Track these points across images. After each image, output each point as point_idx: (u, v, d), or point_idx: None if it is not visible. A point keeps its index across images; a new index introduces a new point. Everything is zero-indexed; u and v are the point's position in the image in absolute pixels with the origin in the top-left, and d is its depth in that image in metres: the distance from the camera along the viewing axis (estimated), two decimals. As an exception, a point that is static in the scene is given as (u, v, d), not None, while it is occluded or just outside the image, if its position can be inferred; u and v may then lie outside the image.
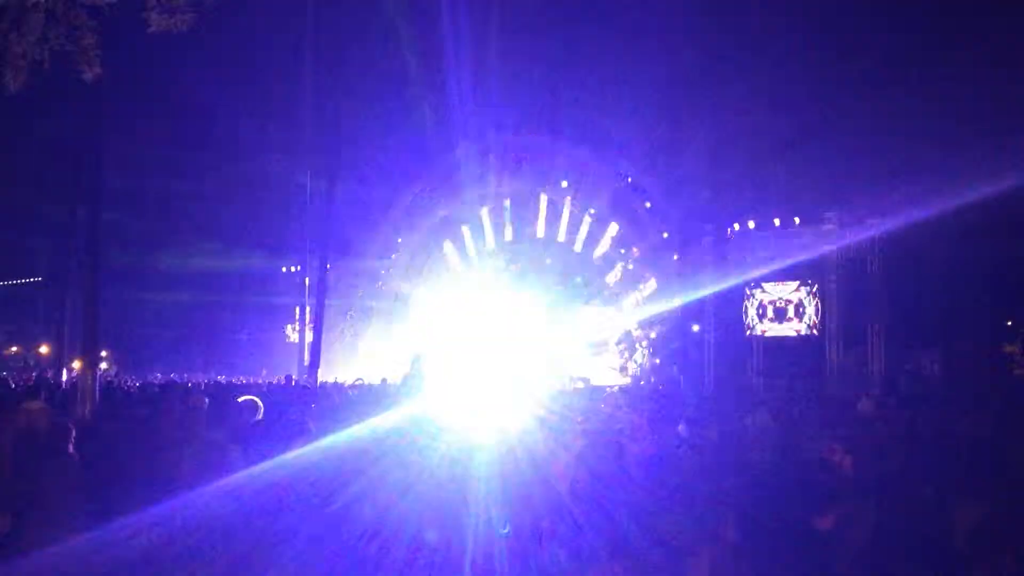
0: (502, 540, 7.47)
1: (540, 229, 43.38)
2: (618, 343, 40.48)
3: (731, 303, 33.59)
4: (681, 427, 9.89)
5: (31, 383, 19.19)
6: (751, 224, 35.36)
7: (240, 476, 7.96)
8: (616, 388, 30.51)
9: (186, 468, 7.91)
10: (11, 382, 20.08)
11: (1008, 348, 34.95)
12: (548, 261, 44.96)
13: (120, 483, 7.93)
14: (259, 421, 9.67)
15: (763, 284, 35.29)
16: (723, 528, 7.33)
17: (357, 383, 24.56)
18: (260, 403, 9.83)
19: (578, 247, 41.77)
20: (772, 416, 12.52)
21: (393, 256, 46.84)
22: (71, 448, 7.80)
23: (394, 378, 17.37)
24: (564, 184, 41.68)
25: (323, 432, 8.92)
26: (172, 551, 7.76)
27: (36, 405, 10.29)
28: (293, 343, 46.07)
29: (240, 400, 10.35)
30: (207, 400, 10.81)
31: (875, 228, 33.65)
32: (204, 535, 7.57)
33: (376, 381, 25.12)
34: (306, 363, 29.15)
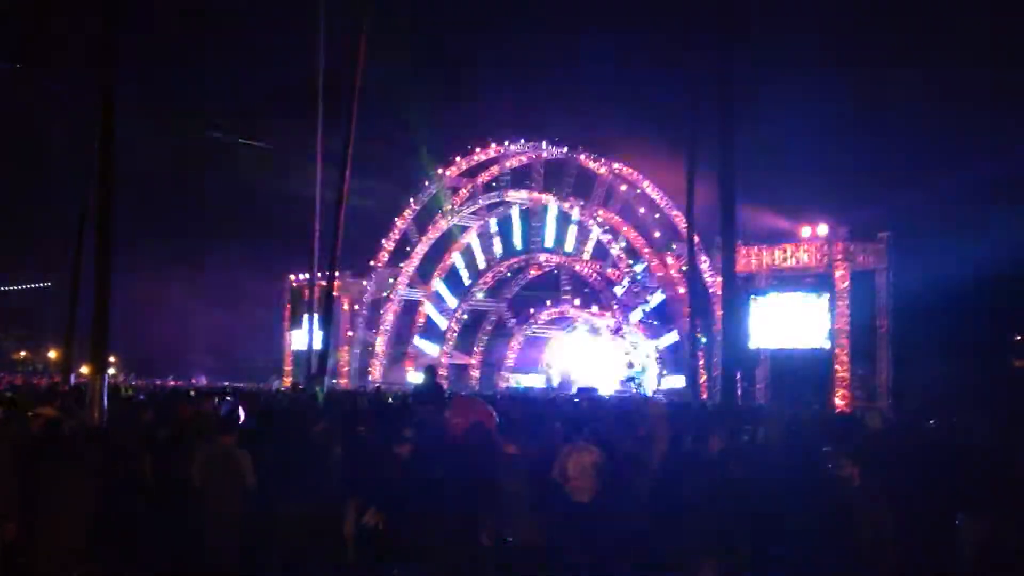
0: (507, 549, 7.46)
1: (548, 239, 43.42)
2: (625, 354, 40.45)
3: (739, 315, 33.51)
4: (688, 440, 9.85)
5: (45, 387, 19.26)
6: (759, 235, 35.38)
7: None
8: (620, 399, 30.48)
9: (196, 472, 7.95)
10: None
11: (1017, 363, 34.85)
12: (556, 271, 45.02)
13: (133, 486, 7.97)
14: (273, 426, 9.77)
15: (772, 296, 35.24)
16: (730, 539, 7.32)
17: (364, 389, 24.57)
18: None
19: (586, 257, 41.81)
20: (779, 428, 12.49)
21: (402, 265, 46.95)
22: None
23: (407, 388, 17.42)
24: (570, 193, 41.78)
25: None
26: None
27: (49, 411, 10.31)
28: (302, 351, 46.07)
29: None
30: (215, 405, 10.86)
31: (885, 242, 33.62)
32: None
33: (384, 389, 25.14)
34: (313, 371, 29.06)
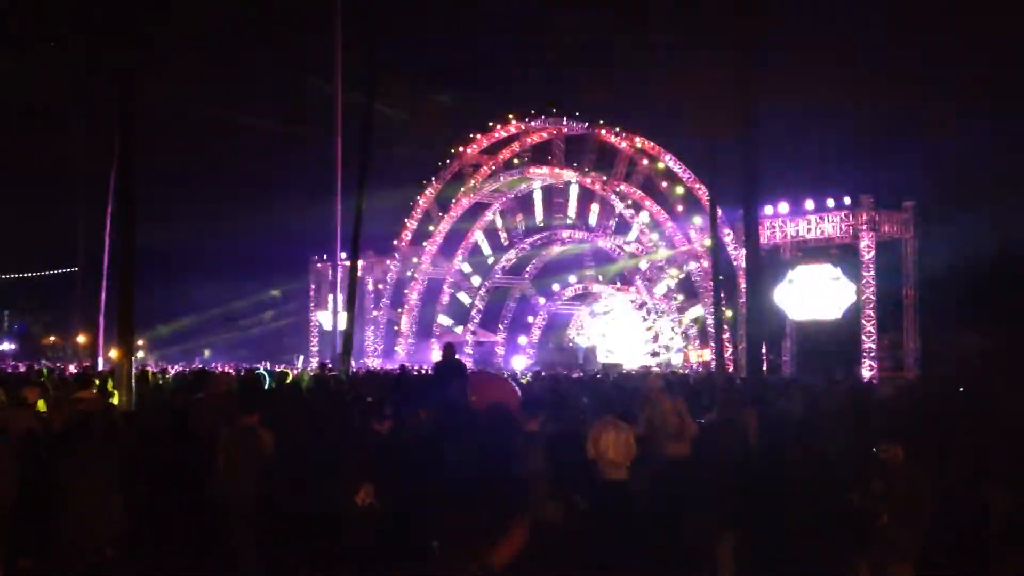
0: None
1: (571, 214, 43.32)
2: (649, 328, 40.40)
3: (764, 287, 33.36)
4: (712, 414, 9.84)
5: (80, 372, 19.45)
6: (784, 207, 35.06)
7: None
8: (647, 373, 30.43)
9: (220, 453, 8.02)
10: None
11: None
12: (579, 246, 44.96)
13: (159, 467, 8.05)
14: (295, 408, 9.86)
15: (797, 267, 35.00)
16: (748, 512, 7.32)
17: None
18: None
19: (609, 232, 41.69)
20: (803, 402, 12.45)
21: (425, 244, 46.99)
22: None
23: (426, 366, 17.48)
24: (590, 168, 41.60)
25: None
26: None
27: (89, 394, 10.42)
28: (327, 331, 46.26)
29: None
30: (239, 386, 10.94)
31: (911, 212, 33.29)
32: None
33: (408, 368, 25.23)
34: (339, 351, 29.25)
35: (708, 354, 36.52)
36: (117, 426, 8.67)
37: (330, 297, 46.83)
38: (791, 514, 6.78)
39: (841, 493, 7.14)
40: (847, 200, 33.65)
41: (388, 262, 48.69)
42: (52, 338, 59.62)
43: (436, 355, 41.97)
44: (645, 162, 40.24)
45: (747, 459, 8.21)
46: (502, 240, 46.23)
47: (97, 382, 15.04)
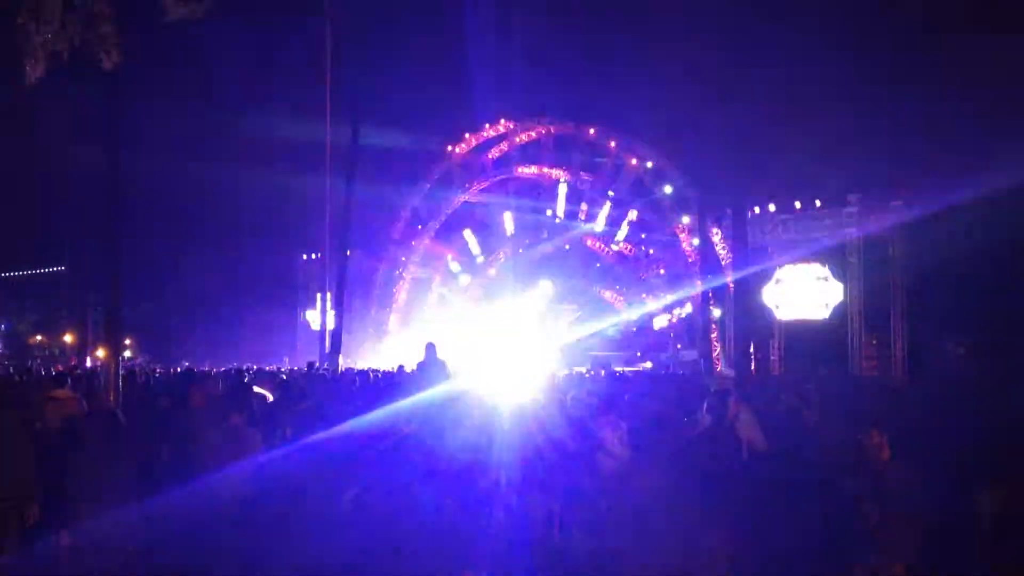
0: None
1: (559, 214, 43.33)
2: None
3: (752, 286, 33.43)
4: (704, 413, 9.85)
5: (59, 371, 19.37)
6: (772, 207, 35.11)
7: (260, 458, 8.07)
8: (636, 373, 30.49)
9: (209, 451, 8.00)
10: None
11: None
12: (567, 246, 44.92)
13: (148, 467, 8.02)
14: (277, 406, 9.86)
15: (784, 267, 35.05)
16: (741, 507, 7.33)
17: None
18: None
19: (598, 231, 41.73)
20: (797, 401, 12.45)
21: (413, 243, 46.86)
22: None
23: (410, 366, 17.43)
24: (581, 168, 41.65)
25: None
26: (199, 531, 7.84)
27: (64, 393, 10.35)
28: (315, 330, 46.13)
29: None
30: (225, 386, 10.92)
31: (898, 211, 33.35)
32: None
33: (393, 368, 25.20)
34: (327, 350, 29.23)
35: (695, 353, 36.60)
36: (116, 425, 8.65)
37: (318, 296, 46.84)
38: (788, 514, 6.79)
39: (836, 492, 7.16)
40: (834, 200, 33.71)
41: (376, 261, 48.53)
42: (39, 337, 59.30)
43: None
44: (634, 161, 40.28)
45: (737, 455, 8.23)
46: (490, 239, 46.15)
47: (83, 381, 14.99)
